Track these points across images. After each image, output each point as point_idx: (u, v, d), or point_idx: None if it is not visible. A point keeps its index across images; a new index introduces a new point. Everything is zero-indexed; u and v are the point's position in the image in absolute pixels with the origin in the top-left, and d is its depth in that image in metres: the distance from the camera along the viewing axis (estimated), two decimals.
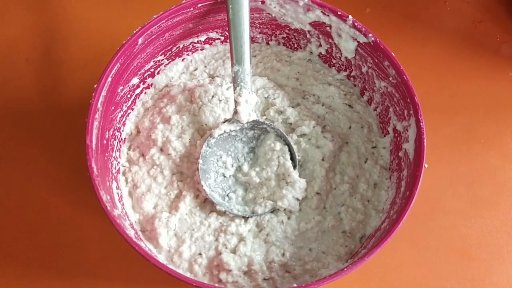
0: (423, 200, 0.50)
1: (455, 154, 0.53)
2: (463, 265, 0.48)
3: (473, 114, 0.55)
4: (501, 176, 0.52)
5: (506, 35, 0.59)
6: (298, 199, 0.44)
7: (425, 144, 0.40)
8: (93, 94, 0.40)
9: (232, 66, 0.43)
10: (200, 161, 0.44)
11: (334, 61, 0.49)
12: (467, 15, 0.60)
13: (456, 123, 0.54)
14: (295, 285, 0.39)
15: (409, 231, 0.49)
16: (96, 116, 0.40)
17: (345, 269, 0.36)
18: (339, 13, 0.44)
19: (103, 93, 0.41)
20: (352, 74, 0.48)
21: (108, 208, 0.37)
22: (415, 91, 0.42)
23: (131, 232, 0.39)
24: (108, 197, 0.39)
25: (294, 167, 0.44)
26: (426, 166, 0.52)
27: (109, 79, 0.41)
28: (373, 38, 0.43)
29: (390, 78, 0.44)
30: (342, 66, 0.48)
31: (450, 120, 0.55)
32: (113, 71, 0.41)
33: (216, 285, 0.39)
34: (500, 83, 0.57)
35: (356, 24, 0.44)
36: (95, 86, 0.40)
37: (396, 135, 0.45)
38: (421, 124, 0.41)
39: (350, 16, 0.44)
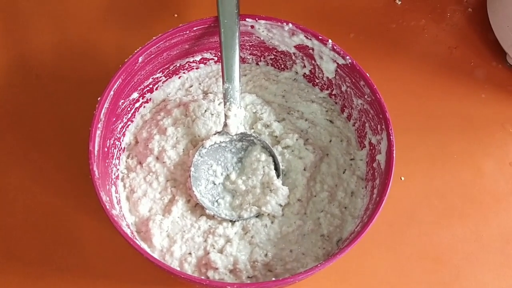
0: (399, 210, 0.55)
1: (429, 169, 0.57)
2: (435, 270, 0.52)
3: (447, 132, 0.59)
4: (471, 189, 0.56)
5: (479, 61, 0.63)
6: (281, 205, 0.48)
7: (394, 155, 0.44)
8: (97, 105, 0.44)
9: (223, 84, 0.48)
10: (192, 169, 0.48)
11: (317, 81, 0.53)
12: (443, 42, 0.65)
13: (432, 141, 0.59)
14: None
15: (386, 238, 0.53)
16: (99, 125, 0.44)
17: (319, 265, 0.40)
18: (320, 37, 0.49)
19: (106, 105, 0.45)
20: (333, 92, 0.53)
21: (107, 207, 0.41)
22: (387, 108, 0.46)
23: (127, 231, 0.42)
24: (107, 198, 0.43)
25: (278, 176, 0.49)
26: (403, 179, 0.56)
27: (112, 92, 0.46)
28: (350, 60, 0.48)
29: (366, 96, 0.48)
30: (324, 85, 0.53)
31: (426, 138, 0.59)
32: (115, 86, 0.46)
33: (203, 278, 0.43)
34: (473, 105, 0.61)
35: (335, 47, 0.48)
36: (98, 98, 0.45)
37: (371, 148, 0.49)
38: (391, 137, 0.45)
39: (330, 40, 0.49)
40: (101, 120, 0.45)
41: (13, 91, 0.58)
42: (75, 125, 0.55)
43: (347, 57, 0.48)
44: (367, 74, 0.47)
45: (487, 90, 0.62)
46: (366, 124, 0.49)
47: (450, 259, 0.53)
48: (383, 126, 0.46)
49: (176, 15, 0.64)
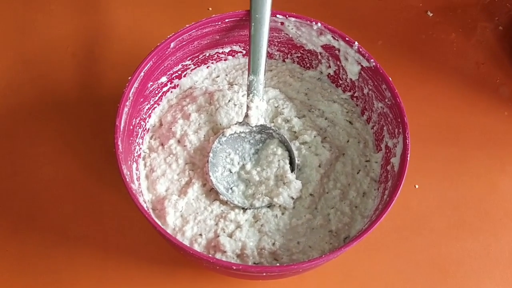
0: (411, 218, 0.55)
1: (445, 180, 0.57)
2: (440, 280, 0.52)
3: (466, 146, 0.60)
4: (485, 204, 0.56)
5: (506, 78, 0.64)
6: (292, 198, 0.49)
7: (408, 158, 0.45)
8: (127, 84, 0.47)
9: (248, 75, 0.49)
10: (211, 155, 0.49)
11: (340, 82, 0.54)
12: (471, 57, 0.65)
13: (450, 152, 0.59)
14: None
15: (395, 244, 0.54)
16: (127, 103, 0.46)
17: (323, 256, 0.41)
18: (347, 38, 0.50)
19: (135, 85, 0.47)
20: (355, 94, 0.54)
21: (127, 179, 0.43)
22: (407, 113, 0.47)
23: (143, 205, 0.44)
24: (128, 173, 0.45)
25: (292, 170, 0.50)
26: (417, 187, 0.57)
27: (142, 73, 0.48)
28: (374, 63, 0.49)
29: (386, 100, 0.49)
30: (347, 87, 0.54)
31: (444, 149, 0.59)
32: (146, 68, 0.48)
33: (210, 256, 0.44)
34: (495, 121, 0.61)
35: (360, 49, 0.50)
36: (129, 78, 0.47)
37: (387, 151, 0.50)
38: (407, 141, 0.46)
39: (356, 42, 0.50)
40: (129, 99, 0.47)
41: (50, 67, 0.61)
42: (105, 104, 0.58)
43: (372, 60, 0.49)
44: (390, 78, 0.48)
45: (511, 108, 0.62)
46: (384, 128, 0.50)
47: (457, 271, 0.53)
48: (400, 130, 0.47)
49: (210, 9, 0.66)
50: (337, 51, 0.52)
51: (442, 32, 0.66)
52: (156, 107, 0.53)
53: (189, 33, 0.50)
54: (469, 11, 0.68)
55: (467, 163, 0.58)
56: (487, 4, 0.69)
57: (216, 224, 0.48)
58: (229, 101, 0.52)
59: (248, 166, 0.51)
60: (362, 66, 0.50)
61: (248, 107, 0.49)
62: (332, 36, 0.51)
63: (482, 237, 0.55)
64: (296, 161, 0.50)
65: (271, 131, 0.51)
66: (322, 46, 0.53)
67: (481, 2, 0.69)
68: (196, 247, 0.47)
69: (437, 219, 0.55)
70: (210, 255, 0.46)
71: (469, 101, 0.62)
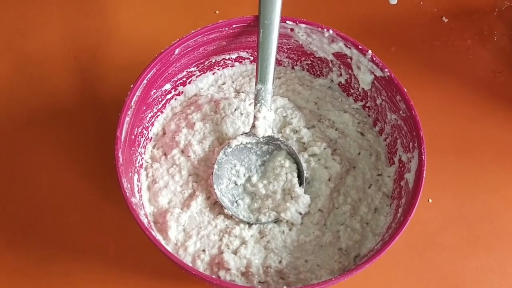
0: (423, 233, 0.53)
1: (459, 194, 0.55)
2: None
3: (482, 158, 0.57)
4: (501, 220, 0.54)
5: None
6: (300, 213, 0.47)
7: (424, 175, 0.43)
8: (129, 93, 0.45)
9: (255, 84, 0.47)
10: (216, 166, 0.47)
11: (352, 91, 0.52)
12: (488, 65, 0.62)
13: (465, 165, 0.57)
14: None
15: (406, 260, 0.52)
16: (129, 112, 0.44)
17: (333, 279, 0.38)
18: (360, 47, 0.48)
19: (138, 93, 0.45)
20: (367, 104, 0.51)
21: (127, 194, 0.41)
22: (421, 126, 0.45)
23: (144, 220, 0.42)
24: (129, 186, 0.43)
25: (301, 184, 0.48)
26: (430, 201, 0.55)
27: (145, 81, 0.46)
28: (388, 73, 0.47)
29: (401, 112, 0.47)
30: (359, 97, 0.52)
31: (459, 162, 0.57)
32: (149, 75, 0.46)
33: (213, 277, 0.42)
34: None
35: (374, 58, 0.47)
36: (131, 86, 0.45)
37: (400, 165, 0.47)
38: (423, 156, 0.43)
39: (369, 51, 0.47)
40: (131, 108, 0.45)
41: (51, 70, 0.59)
42: (107, 110, 0.56)
43: (386, 70, 0.47)
44: (405, 89, 0.46)
45: None
46: (398, 141, 0.48)
47: None
48: (416, 144, 0.45)
49: (217, 12, 0.64)
50: (349, 59, 0.50)
51: (458, 38, 0.64)
52: (159, 115, 0.51)
53: (195, 39, 0.48)
54: (485, 17, 0.65)
55: (482, 176, 0.56)
56: (504, 10, 0.66)
57: (220, 240, 0.46)
58: (235, 110, 0.50)
59: (254, 179, 0.49)
60: (375, 75, 0.48)
61: (255, 117, 0.47)
62: (344, 44, 0.48)
63: (499, 254, 0.52)
64: (305, 174, 0.48)
65: (278, 142, 0.48)
66: (333, 54, 0.50)
67: (498, 8, 0.66)
68: (199, 264, 0.45)
69: (451, 235, 0.53)
70: (214, 272, 0.44)
71: (485, 111, 0.60)
